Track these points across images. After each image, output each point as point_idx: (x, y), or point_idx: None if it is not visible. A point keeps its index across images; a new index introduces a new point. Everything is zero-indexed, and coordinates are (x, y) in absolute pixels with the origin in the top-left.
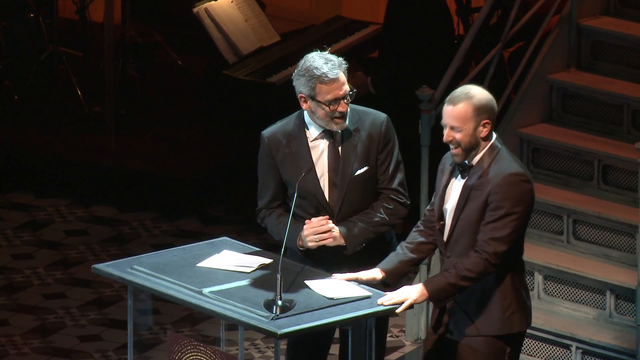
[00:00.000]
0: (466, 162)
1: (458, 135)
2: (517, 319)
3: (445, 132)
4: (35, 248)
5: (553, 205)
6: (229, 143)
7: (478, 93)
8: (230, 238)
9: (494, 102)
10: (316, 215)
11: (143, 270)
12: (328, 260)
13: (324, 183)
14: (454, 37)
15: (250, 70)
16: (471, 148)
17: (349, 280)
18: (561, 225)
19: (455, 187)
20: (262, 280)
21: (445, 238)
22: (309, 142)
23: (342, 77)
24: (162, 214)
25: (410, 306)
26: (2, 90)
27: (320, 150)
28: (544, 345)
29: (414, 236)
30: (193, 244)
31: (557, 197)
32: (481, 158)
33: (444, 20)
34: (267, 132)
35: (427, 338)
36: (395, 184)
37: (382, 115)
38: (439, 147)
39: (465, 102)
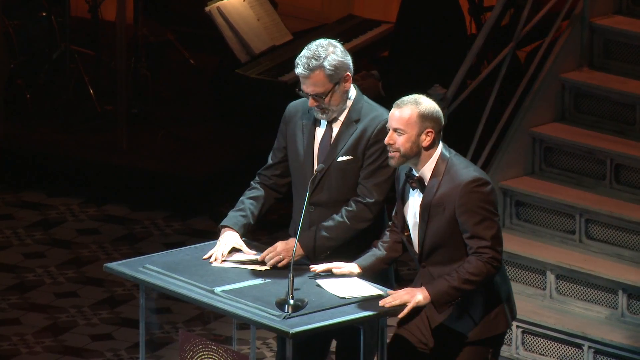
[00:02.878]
0: (415, 173)
1: (400, 140)
2: (502, 320)
3: (389, 134)
4: (47, 247)
5: (565, 205)
6: (241, 142)
7: (426, 102)
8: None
9: (440, 114)
10: (301, 190)
11: (155, 269)
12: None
13: (316, 161)
14: (467, 36)
15: (262, 69)
16: (410, 155)
17: (324, 271)
18: (573, 224)
19: (412, 201)
20: (274, 279)
21: (417, 250)
22: (316, 121)
23: (311, 75)
24: (174, 213)
25: (414, 309)
26: (15, 89)
27: (322, 131)
28: (556, 344)
29: (387, 235)
30: (205, 243)
31: (570, 196)
32: (433, 173)
33: (456, 20)
34: (292, 102)
35: (397, 337)
36: (370, 182)
37: (385, 116)
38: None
39: (411, 107)
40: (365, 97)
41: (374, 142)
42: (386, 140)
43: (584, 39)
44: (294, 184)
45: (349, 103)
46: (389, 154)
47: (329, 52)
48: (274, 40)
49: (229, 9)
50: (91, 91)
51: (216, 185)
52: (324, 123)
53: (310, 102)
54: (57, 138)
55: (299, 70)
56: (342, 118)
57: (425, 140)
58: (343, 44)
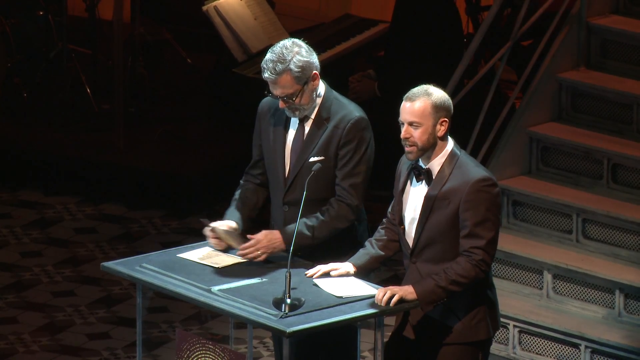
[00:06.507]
0: (422, 165)
1: (417, 133)
2: (484, 327)
3: (404, 129)
4: (44, 246)
5: (562, 204)
6: (238, 141)
7: (436, 91)
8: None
9: (450, 103)
10: (276, 187)
11: (152, 268)
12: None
13: (288, 160)
14: (463, 35)
15: (259, 69)
16: (427, 147)
17: (322, 275)
18: (570, 224)
19: (413, 194)
20: (271, 278)
21: (410, 244)
22: (287, 119)
23: (278, 80)
24: (171, 212)
25: (407, 311)
26: (12, 87)
27: (294, 129)
28: (553, 344)
29: (382, 233)
30: (202, 242)
31: (567, 196)
32: (442, 167)
33: (452, 18)
34: (264, 99)
35: (391, 341)
36: (347, 184)
37: (354, 114)
38: None
39: (424, 98)
40: (334, 93)
41: (345, 142)
42: (402, 134)
43: (581, 39)
44: (269, 182)
45: (319, 100)
46: (406, 149)
47: (294, 53)
48: (271, 39)
49: (226, 8)
50: (88, 90)
51: (213, 184)
52: (295, 121)
53: (281, 104)
54: (54, 137)
55: (266, 75)
56: (313, 116)
57: (441, 130)
58: (340, 43)
